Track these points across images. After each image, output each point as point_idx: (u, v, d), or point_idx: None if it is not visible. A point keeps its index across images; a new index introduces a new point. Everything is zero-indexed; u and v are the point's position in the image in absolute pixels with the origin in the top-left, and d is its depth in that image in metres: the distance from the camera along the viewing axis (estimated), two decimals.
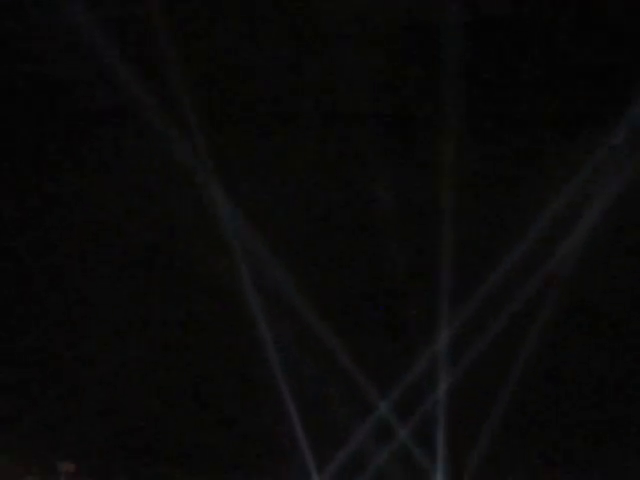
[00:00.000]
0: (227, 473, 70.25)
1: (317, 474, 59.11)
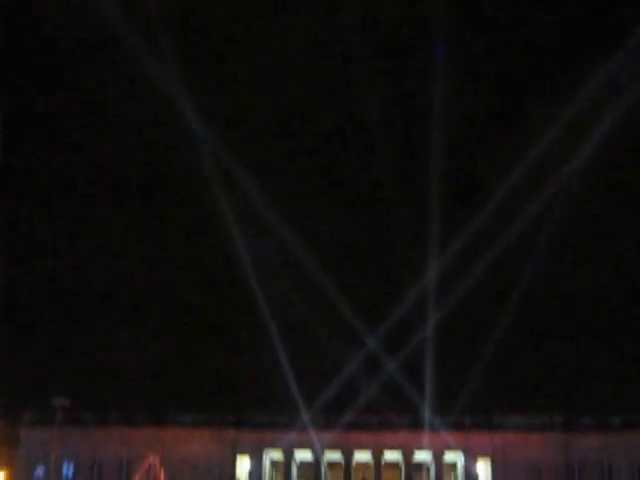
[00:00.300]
0: (216, 409, 71.62)
1: (306, 409, 60.13)
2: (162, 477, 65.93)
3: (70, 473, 69.23)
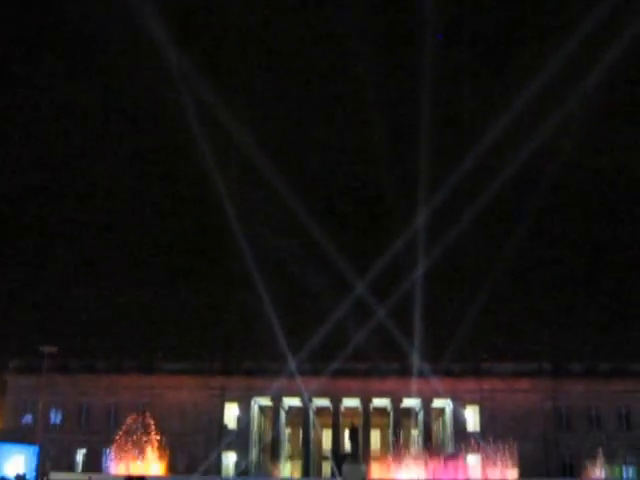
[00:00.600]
0: (204, 356, 71.08)
1: (294, 355, 59.56)
2: (151, 424, 65.94)
3: (58, 420, 69.17)
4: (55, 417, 69.17)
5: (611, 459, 62.14)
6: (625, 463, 64.86)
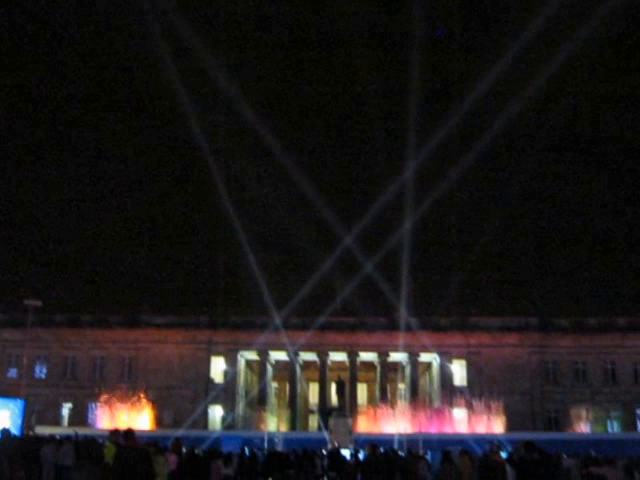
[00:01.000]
0: (191, 310, 70.38)
1: (281, 309, 58.80)
2: (137, 378, 65.78)
3: (43, 375, 68.77)
4: (40, 371, 68.73)
5: (596, 413, 62.59)
6: (610, 417, 65.36)
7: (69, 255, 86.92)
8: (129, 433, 13.77)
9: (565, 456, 29.40)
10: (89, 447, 26.72)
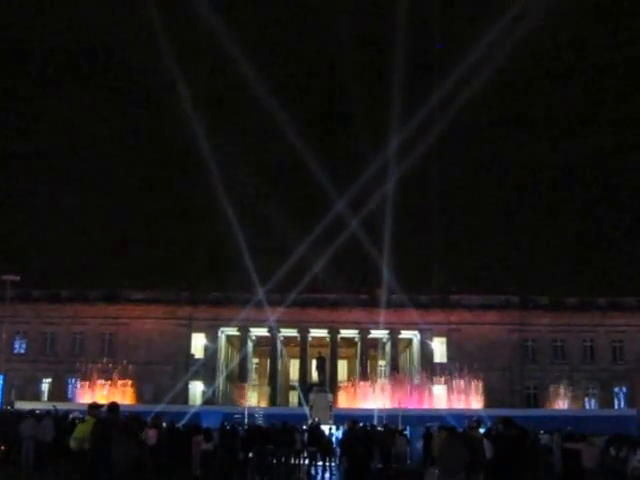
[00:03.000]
0: (171, 286, 69.97)
1: (261, 285, 58.37)
2: (117, 354, 65.56)
3: (22, 350, 68.42)
4: (19, 346, 68.39)
5: (575, 391, 63.15)
6: (588, 395, 66.02)
7: (48, 229, 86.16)
8: (113, 406, 13.64)
9: (542, 432, 29.63)
10: (69, 422, 26.61)
